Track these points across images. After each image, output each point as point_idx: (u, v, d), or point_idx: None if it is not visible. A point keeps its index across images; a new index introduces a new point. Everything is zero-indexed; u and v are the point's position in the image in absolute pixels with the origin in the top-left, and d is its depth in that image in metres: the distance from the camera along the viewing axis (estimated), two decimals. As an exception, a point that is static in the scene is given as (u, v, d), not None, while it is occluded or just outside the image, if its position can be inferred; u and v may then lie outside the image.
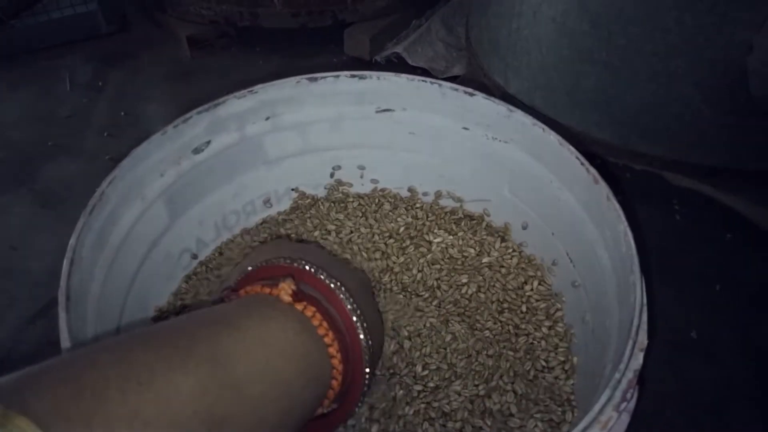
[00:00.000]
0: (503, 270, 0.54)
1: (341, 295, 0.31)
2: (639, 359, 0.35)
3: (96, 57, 1.18)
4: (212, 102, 0.50)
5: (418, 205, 0.59)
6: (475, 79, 1.05)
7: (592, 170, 0.44)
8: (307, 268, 0.32)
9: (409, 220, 0.58)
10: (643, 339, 0.36)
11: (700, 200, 0.88)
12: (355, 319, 0.31)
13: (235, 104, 0.51)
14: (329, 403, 0.31)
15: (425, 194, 0.60)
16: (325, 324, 0.30)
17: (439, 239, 0.56)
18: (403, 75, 0.53)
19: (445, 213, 0.59)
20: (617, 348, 0.38)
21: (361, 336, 0.31)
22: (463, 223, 0.57)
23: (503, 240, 0.56)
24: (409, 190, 0.61)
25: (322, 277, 0.31)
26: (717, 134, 0.83)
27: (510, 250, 0.55)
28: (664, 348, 0.72)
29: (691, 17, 0.70)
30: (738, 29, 0.70)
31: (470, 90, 0.51)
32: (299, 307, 0.30)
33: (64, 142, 1.00)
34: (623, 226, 0.40)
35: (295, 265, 0.32)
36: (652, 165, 0.90)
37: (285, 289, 0.31)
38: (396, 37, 1.19)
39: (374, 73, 0.53)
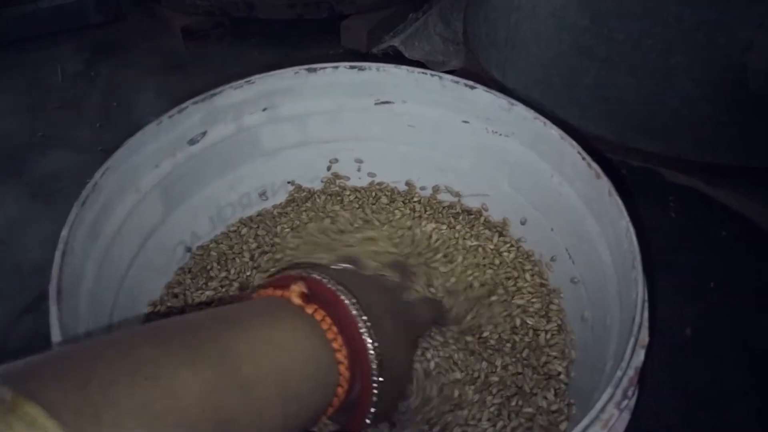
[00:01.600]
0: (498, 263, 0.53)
1: (345, 300, 0.30)
2: (640, 356, 0.35)
3: (88, 47, 1.16)
4: (208, 92, 0.49)
5: (415, 199, 0.59)
6: (473, 74, 1.05)
7: (594, 165, 0.43)
8: (315, 275, 0.31)
9: (407, 212, 0.57)
10: (644, 336, 0.36)
11: (697, 197, 0.87)
12: (360, 325, 0.30)
13: (232, 95, 0.50)
14: (333, 412, 0.30)
15: (423, 188, 0.60)
16: (334, 329, 0.30)
17: (434, 231, 0.56)
18: (403, 67, 0.52)
19: (443, 207, 0.58)
20: (618, 345, 0.37)
21: (368, 341, 0.30)
22: (461, 218, 0.57)
23: (501, 234, 0.55)
24: (407, 183, 0.60)
25: (326, 282, 0.31)
26: (715, 131, 0.83)
27: (508, 245, 0.54)
28: (657, 344, 0.72)
29: (691, 13, 0.70)
30: (739, 26, 0.70)
31: (471, 83, 0.51)
32: (309, 310, 0.30)
33: (55, 133, 0.99)
34: (625, 222, 0.40)
35: (304, 274, 0.32)
36: (649, 161, 0.90)
37: (295, 291, 0.30)
38: (393, 30, 1.18)
39: (374, 65, 0.52)
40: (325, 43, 1.19)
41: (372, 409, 0.31)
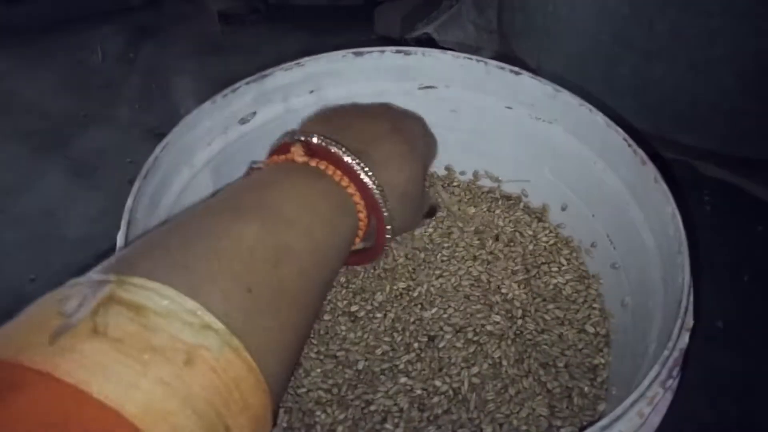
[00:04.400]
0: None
1: (334, 149, 0.35)
2: (685, 339, 0.36)
3: (128, 29, 1.19)
4: (260, 73, 0.50)
5: (455, 184, 0.59)
6: (506, 61, 1.05)
7: (640, 151, 0.44)
8: (313, 139, 0.36)
9: (446, 196, 0.58)
10: (689, 320, 0.36)
11: (732, 191, 0.87)
12: (355, 168, 0.35)
13: (282, 76, 0.51)
14: (361, 238, 0.36)
15: (462, 173, 0.60)
16: (338, 172, 0.35)
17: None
18: (449, 52, 0.53)
19: (483, 192, 0.59)
20: (662, 328, 0.38)
21: (364, 179, 0.35)
22: (500, 203, 0.57)
23: (540, 220, 0.56)
24: (446, 168, 0.61)
25: (319, 141, 0.36)
26: (753, 125, 0.82)
27: (546, 231, 0.55)
28: (690, 336, 0.72)
29: (739, 1, 0.69)
30: (785, 17, 0.69)
31: (516, 69, 0.51)
32: (313, 163, 0.35)
33: (97, 112, 1.01)
34: (671, 208, 0.40)
35: (302, 138, 0.36)
36: (685, 154, 0.89)
37: (296, 152, 0.35)
38: (427, 18, 1.19)
39: (419, 49, 0.53)
40: (358, 29, 1.20)
41: (389, 227, 0.38)
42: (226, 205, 0.31)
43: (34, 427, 0.19)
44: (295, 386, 0.45)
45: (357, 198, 0.35)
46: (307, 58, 0.52)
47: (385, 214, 0.37)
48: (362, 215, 0.36)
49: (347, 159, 0.35)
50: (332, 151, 0.35)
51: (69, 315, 0.22)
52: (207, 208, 0.31)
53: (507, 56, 1.06)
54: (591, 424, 0.41)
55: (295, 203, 0.31)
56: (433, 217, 0.54)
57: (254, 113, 0.52)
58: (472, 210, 0.56)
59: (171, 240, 0.27)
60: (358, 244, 0.39)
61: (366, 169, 0.35)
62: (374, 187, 0.36)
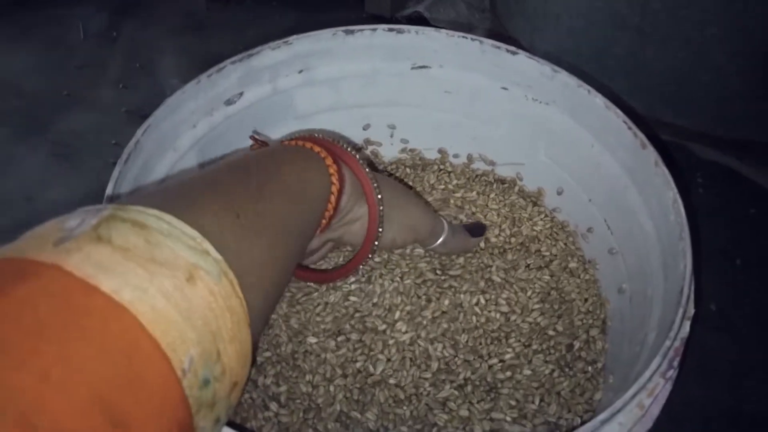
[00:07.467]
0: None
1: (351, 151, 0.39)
2: (686, 328, 0.35)
3: (110, 6, 1.14)
4: (246, 52, 0.48)
5: (449, 169, 0.58)
6: (499, 40, 1.03)
7: (640, 134, 0.43)
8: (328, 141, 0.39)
9: (442, 178, 0.57)
10: (690, 308, 0.36)
11: (725, 173, 0.86)
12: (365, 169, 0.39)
13: (269, 55, 0.49)
14: (334, 206, 0.37)
15: (456, 156, 0.59)
16: (313, 145, 0.37)
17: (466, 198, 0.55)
18: (443, 30, 0.51)
19: (476, 176, 0.57)
20: (663, 316, 0.37)
21: (352, 151, 0.39)
22: (494, 186, 0.56)
23: (535, 204, 0.55)
24: (440, 151, 0.59)
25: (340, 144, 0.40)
26: (748, 106, 0.81)
27: (542, 216, 0.54)
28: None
29: (735, -19, 0.68)
30: (783, -4, 0.67)
31: (513, 48, 0.50)
32: (313, 148, 0.38)
33: (79, 92, 0.98)
34: (672, 193, 0.39)
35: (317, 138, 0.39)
36: (678, 136, 0.88)
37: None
38: (418, -4, 1.16)
39: (413, 28, 0.51)
40: (347, 7, 1.17)
41: (380, 228, 0.41)
42: (218, 163, 0.34)
43: (41, 313, 0.19)
44: None
45: (330, 161, 0.37)
46: (295, 37, 0.50)
47: (378, 194, 0.40)
48: (335, 178, 0.37)
49: (347, 148, 0.39)
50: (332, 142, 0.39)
51: (71, 230, 0.22)
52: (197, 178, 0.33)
53: (500, 35, 1.04)
54: (587, 412, 0.41)
55: (276, 162, 0.34)
56: (483, 236, 0.51)
57: (241, 94, 0.50)
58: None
59: (167, 183, 0.31)
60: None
61: (360, 160, 0.39)
62: (365, 167, 0.39)
